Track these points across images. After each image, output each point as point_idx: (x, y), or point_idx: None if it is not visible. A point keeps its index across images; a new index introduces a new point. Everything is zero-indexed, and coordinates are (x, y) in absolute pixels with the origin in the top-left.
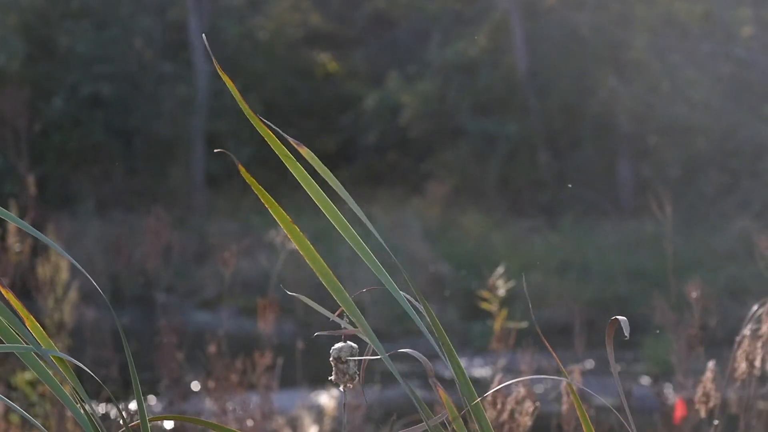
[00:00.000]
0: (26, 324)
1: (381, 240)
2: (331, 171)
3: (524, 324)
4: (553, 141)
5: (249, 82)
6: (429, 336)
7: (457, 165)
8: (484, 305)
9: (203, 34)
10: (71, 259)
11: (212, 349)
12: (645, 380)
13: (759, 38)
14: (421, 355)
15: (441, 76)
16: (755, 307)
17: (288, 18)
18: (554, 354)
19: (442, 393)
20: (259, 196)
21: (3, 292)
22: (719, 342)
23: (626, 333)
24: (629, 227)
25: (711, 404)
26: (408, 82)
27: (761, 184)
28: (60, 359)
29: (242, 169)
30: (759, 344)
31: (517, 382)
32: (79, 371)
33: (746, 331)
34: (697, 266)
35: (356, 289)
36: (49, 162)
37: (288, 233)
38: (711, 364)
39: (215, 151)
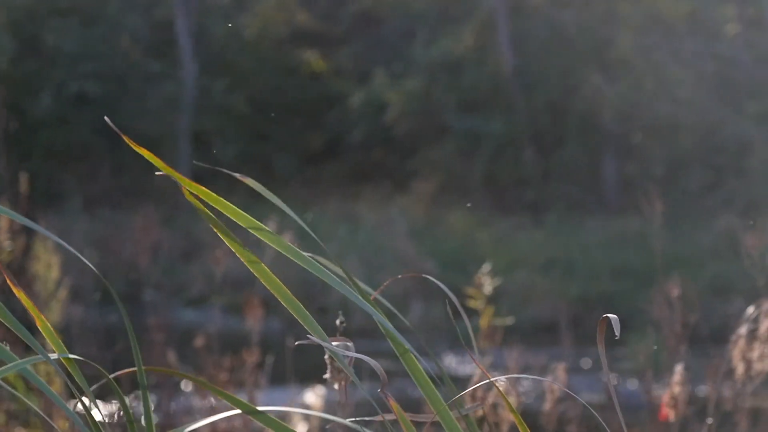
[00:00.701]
0: (37, 324)
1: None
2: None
3: (510, 321)
4: (539, 139)
5: (236, 80)
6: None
7: (442, 163)
8: (471, 303)
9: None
10: (73, 250)
11: (199, 342)
12: (630, 377)
13: (743, 36)
14: (375, 363)
15: (427, 74)
16: (751, 308)
17: (274, 16)
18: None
19: (393, 404)
20: (214, 228)
21: (16, 292)
22: (703, 339)
23: (617, 332)
24: (614, 225)
25: (680, 407)
26: (394, 80)
27: (745, 181)
28: (68, 360)
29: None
30: (757, 345)
31: (498, 379)
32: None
33: (742, 330)
34: (681, 263)
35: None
36: (36, 160)
37: (243, 259)
38: (679, 366)
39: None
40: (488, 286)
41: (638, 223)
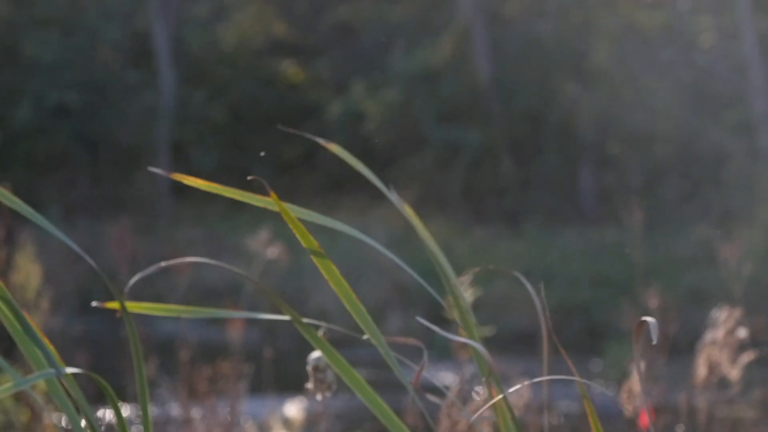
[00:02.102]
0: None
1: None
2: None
3: (490, 331)
4: (516, 148)
5: (214, 90)
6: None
7: (421, 173)
8: (450, 313)
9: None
10: (80, 251)
11: (183, 356)
12: (608, 386)
13: (720, 46)
14: (483, 349)
15: (404, 84)
16: (714, 313)
17: (252, 27)
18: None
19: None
20: (292, 227)
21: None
22: (681, 349)
23: (654, 337)
24: (592, 234)
25: (637, 404)
26: (372, 91)
27: (722, 191)
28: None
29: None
30: (716, 351)
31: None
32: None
33: (707, 337)
34: (658, 273)
35: (321, 291)
36: (16, 170)
37: (318, 263)
38: (641, 365)
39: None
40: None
41: (616, 232)
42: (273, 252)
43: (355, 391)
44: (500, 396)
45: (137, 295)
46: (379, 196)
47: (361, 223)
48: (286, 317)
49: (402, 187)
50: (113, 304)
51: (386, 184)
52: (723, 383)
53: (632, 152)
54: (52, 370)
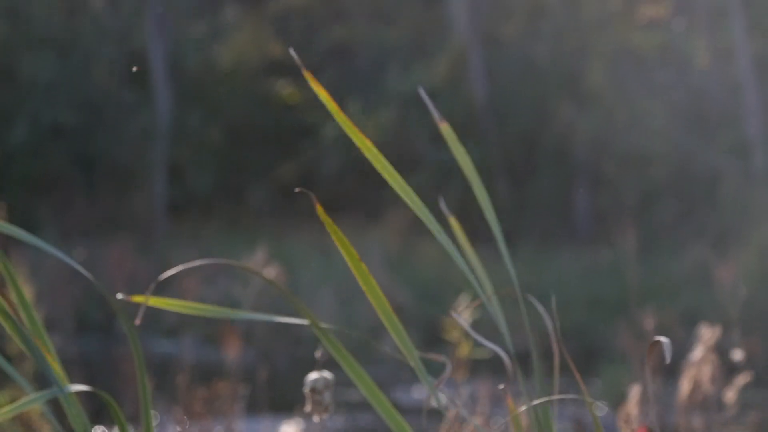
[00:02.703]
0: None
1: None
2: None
3: (487, 353)
4: (512, 170)
5: (210, 110)
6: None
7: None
8: (447, 335)
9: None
10: (70, 260)
11: (181, 379)
12: (603, 408)
13: (714, 68)
14: (505, 355)
15: (400, 105)
16: (701, 333)
17: (249, 47)
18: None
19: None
20: (333, 237)
21: (4, 323)
22: (678, 370)
23: (668, 358)
24: (587, 255)
25: (634, 426)
26: (367, 112)
27: (717, 212)
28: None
29: (320, 210)
30: (696, 370)
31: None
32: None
33: (692, 356)
34: (653, 294)
35: (316, 311)
36: (11, 190)
37: (355, 270)
38: (636, 388)
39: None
40: (467, 319)
41: (611, 253)
42: (270, 272)
43: (369, 399)
44: (521, 409)
45: (133, 313)
46: (376, 216)
47: (358, 243)
48: (305, 321)
49: (397, 207)
50: (139, 298)
51: (381, 204)
52: (719, 405)
53: (627, 173)
54: (58, 388)
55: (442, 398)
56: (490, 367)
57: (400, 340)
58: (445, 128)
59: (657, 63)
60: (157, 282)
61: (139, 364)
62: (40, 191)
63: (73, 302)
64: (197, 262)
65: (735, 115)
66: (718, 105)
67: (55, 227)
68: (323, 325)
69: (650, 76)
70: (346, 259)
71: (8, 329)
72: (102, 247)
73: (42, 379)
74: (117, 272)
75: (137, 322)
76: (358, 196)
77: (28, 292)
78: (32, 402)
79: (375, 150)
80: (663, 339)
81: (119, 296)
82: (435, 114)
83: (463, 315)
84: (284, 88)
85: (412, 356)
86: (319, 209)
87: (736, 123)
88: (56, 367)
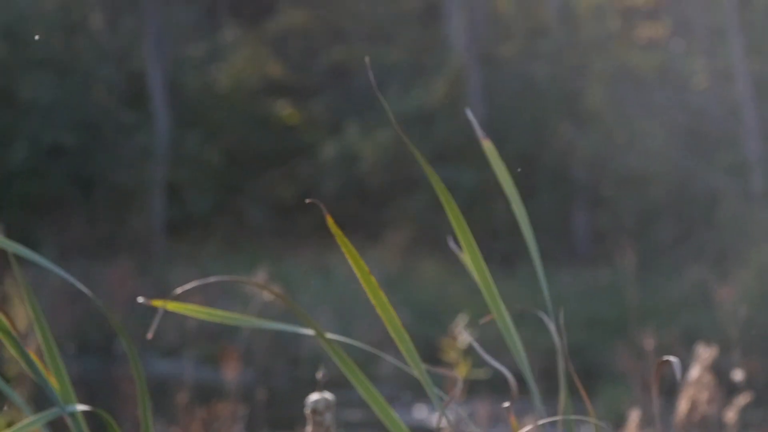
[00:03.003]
0: (49, 377)
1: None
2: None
3: (485, 374)
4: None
5: (209, 131)
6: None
7: (415, 214)
8: (445, 355)
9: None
10: (75, 281)
11: (180, 399)
12: (608, 429)
13: (713, 88)
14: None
15: (399, 125)
16: (698, 353)
17: (247, 68)
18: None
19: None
20: (343, 248)
21: (7, 344)
22: (674, 390)
23: (678, 376)
24: (586, 276)
25: None
26: (366, 132)
27: (716, 233)
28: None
29: (330, 221)
30: (693, 391)
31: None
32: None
33: (689, 375)
34: (652, 314)
35: (314, 337)
36: (11, 210)
37: (364, 283)
38: (635, 413)
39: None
40: (464, 339)
41: (610, 274)
42: (271, 294)
43: (376, 411)
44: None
45: (131, 336)
46: (374, 236)
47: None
48: (311, 332)
49: (396, 228)
50: (159, 302)
51: (379, 224)
52: (720, 425)
53: (626, 194)
54: (62, 408)
55: (450, 416)
56: (488, 387)
57: (408, 353)
58: (487, 145)
59: (656, 83)
60: (175, 293)
61: (140, 382)
62: (39, 211)
63: (73, 322)
64: (217, 278)
65: (734, 135)
66: (716, 125)
67: (54, 247)
68: (330, 336)
69: (649, 97)
70: (356, 272)
71: (9, 348)
72: (101, 267)
73: (38, 401)
74: (116, 292)
75: (150, 335)
76: (357, 216)
77: (28, 312)
78: (33, 423)
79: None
80: (672, 358)
81: (140, 300)
82: (478, 130)
83: (462, 335)
84: (283, 109)
85: (420, 370)
86: (330, 221)
87: (734, 143)
88: (67, 386)
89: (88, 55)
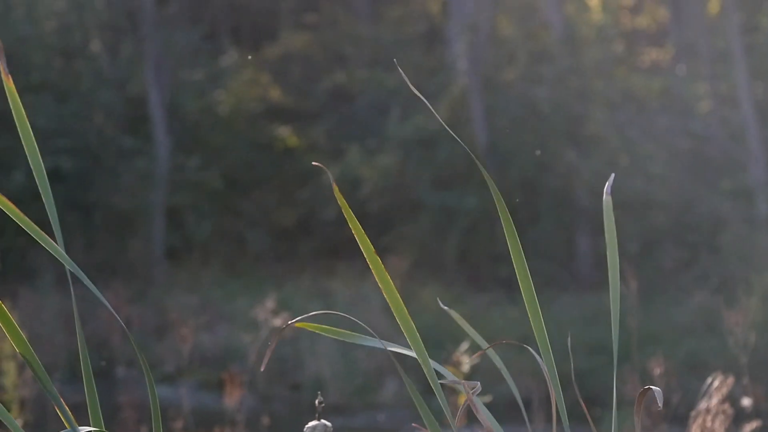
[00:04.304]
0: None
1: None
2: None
3: (488, 399)
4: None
5: (209, 156)
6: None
7: (416, 239)
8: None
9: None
10: (108, 305)
11: (180, 425)
12: None
13: (716, 113)
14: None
15: (400, 150)
16: (708, 381)
17: (248, 92)
18: None
19: None
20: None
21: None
22: (681, 417)
23: (660, 403)
24: (588, 301)
25: None
26: (367, 156)
27: (719, 258)
28: None
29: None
30: (709, 418)
31: None
32: None
33: (701, 405)
34: (656, 340)
35: (317, 358)
36: (9, 236)
37: (387, 296)
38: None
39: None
40: (467, 364)
41: None
42: (278, 321)
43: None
44: None
45: (130, 361)
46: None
47: (357, 288)
48: (411, 353)
49: (397, 252)
50: (301, 324)
51: (380, 250)
52: None
53: (629, 218)
54: (74, 429)
55: (450, 416)
56: (493, 411)
57: (424, 364)
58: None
59: (659, 108)
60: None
61: (154, 406)
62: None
63: (70, 349)
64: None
65: (737, 160)
66: (720, 150)
67: (52, 273)
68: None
69: (652, 121)
70: (380, 285)
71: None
72: (100, 292)
73: (29, 428)
74: (112, 317)
75: (262, 367)
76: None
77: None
78: None
79: None
80: (655, 388)
81: (288, 323)
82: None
83: (465, 361)
84: (283, 133)
85: (433, 379)
86: (353, 223)
87: (738, 168)
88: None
89: (87, 79)
